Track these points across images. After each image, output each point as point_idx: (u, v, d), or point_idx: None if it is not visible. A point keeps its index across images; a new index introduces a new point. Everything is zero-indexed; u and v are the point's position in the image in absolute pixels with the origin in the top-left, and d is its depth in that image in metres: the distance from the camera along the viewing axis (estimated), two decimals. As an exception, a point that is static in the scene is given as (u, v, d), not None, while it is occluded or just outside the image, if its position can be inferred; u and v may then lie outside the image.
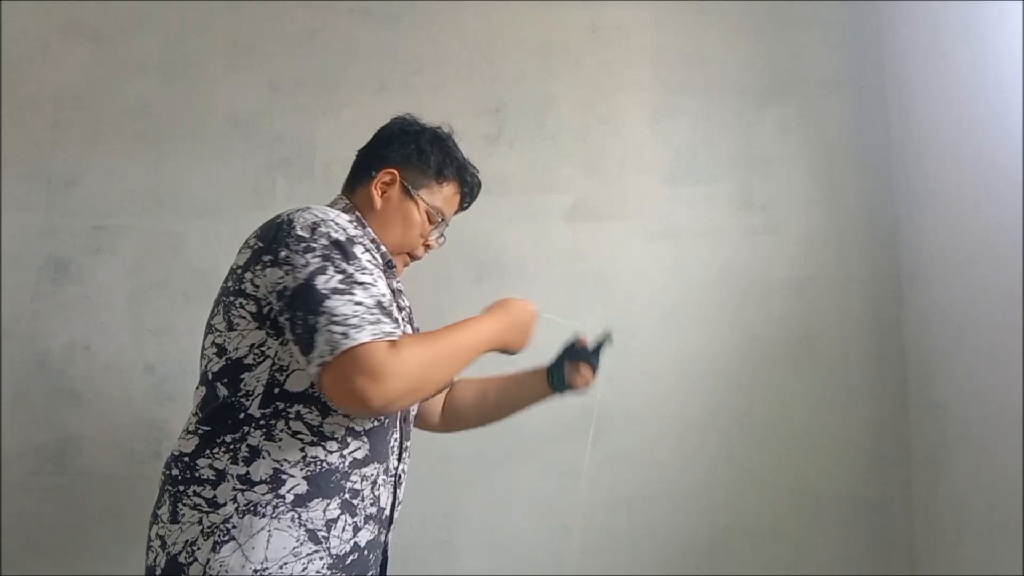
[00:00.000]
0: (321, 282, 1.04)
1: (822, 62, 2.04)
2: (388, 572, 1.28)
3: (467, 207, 1.39)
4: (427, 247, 1.33)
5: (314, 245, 1.07)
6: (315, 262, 1.05)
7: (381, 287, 1.09)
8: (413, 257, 1.33)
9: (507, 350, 1.27)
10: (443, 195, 1.31)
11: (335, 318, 1.01)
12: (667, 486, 1.92)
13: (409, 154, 1.28)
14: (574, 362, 1.42)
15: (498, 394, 1.50)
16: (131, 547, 1.86)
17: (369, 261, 1.11)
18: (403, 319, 1.28)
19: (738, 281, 1.98)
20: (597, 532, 1.91)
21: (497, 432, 1.90)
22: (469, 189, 1.35)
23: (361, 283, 1.06)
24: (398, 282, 1.34)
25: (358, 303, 1.03)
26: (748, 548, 1.91)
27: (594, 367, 1.42)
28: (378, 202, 1.26)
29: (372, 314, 1.03)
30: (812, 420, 1.94)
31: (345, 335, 1.00)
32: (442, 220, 1.31)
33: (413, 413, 1.34)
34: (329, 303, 1.02)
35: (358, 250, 1.10)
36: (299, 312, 1.04)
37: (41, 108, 1.98)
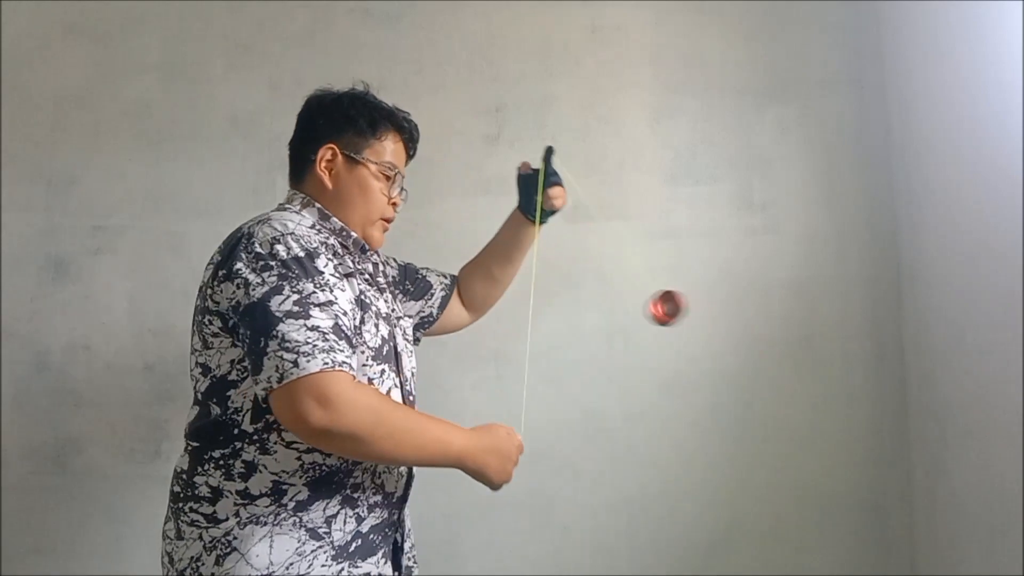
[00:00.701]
0: (275, 304, 1.01)
1: (822, 62, 2.04)
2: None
3: (413, 155, 1.36)
4: (394, 206, 1.30)
5: (271, 263, 1.05)
6: (271, 281, 1.03)
7: (343, 302, 1.07)
8: (387, 220, 1.30)
9: (484, 476, 1.15)
10: (388, 149, 1.27)
11: (286, 344, 0.98)
12: (667, 486, 1.92)
13: (338, 124, 1.25)
14: (544, 192, 1.42)
15: (497, 259, 1.53)
16: (131, 547, 1.86)
17: (332, 273, 1.09)
18: (386, 301, 1.27)
19: (738, 281, 1.98)
20: (597, 532, 1.91)
21: (497, 432, 1.91)
22: (408, 134, 1.32)
23: (319, 304, 1.03)
24: (374, 258, 1.32)
25: (312, 328, 1.00)
26: (748, 548, 1.91)
27: (557, 183, 1.43)
28: (329, 182, 1.24)
29: (326, 340, 1.00)
30: (812, 420, 1.93)
31: (295, 363, 0.97)
32: (397, 173, 1.28)
33: (412, 396, 1.32)
34: (281, 327, 0.99)
35: (320, 263, 1.08)
36: (248, 332, 1.02)
37: (41, 108, 1.98)
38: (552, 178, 1.42)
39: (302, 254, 1.07)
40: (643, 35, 2.05)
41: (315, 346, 0.99)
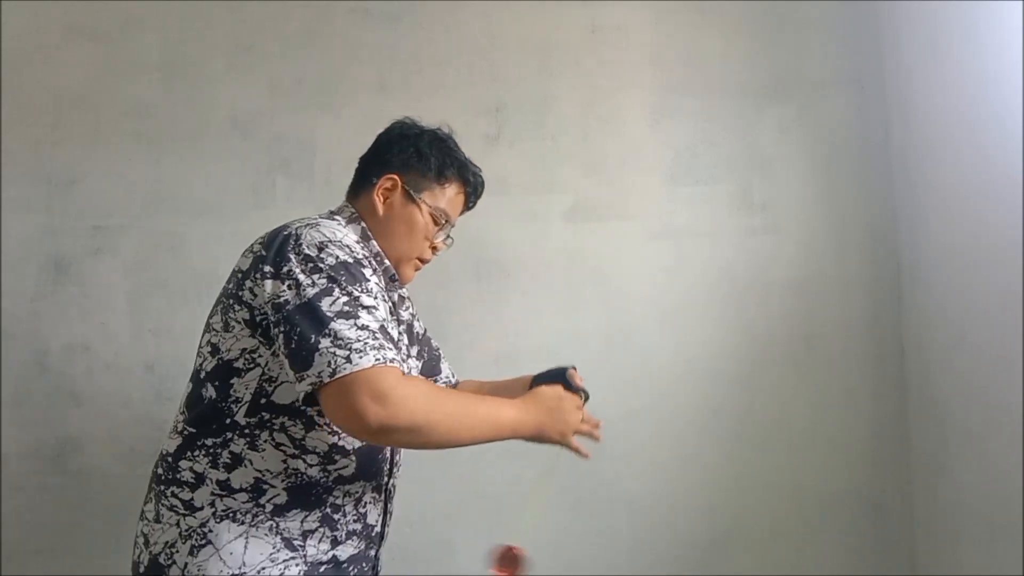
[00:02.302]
0: (326, 304, 1.03)
1: (822, 62, 2.04)
2: (390, 572, 1.28)
3: (472, 207, 1.37)
4: (434, 249, 1.31)
5: (321, 266, 1.06)
6: (321, 283, 1.05)
7: (382, 312, 1.09)
8: (422, 261, 1.31)
9: (543, 439, 1.20)
10: (446, 196, 1.28)
11: (339, 341, 1.00)
12: (667, 486, 1.92)
13: (408, 158, 1.26)
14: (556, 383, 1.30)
15: (491, 391, 1.45)
16: (131, 547, 1.86)
17: (376, 284, 1.11)
18: (401, 331, 1.28)
19: (738, 281, 1.98)
20: (597, 532, 1.91)
21: (497, 432, 1.91)
22: (472, 188, 1.33)
23: (366, 307, 1.05)
24: (401, 291, 1.33)
25: (363, 327, 1.02)
26: (748, 548, 1.91)
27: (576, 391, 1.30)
28: (381, 209, 1.25)
29: (375, 339, 1.02)
30: (812, 420, 1.94)
31: (348, 359, 0.99)
32: (447, 222, 1.29)
33: None
34: (334, 325, 1.01)
35: (366, 272, 1.10)
36: (298, 329, 1.02)
37: (41, 108, 1.98)
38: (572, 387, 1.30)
39: (350, 260, 1.09)
40: (643, 35, 2.05)
41: (366, 343, 1.01)
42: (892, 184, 1.99)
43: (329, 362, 0.99)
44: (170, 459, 1.14)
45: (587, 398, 1.32)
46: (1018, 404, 1.50)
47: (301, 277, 1.05)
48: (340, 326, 1.01)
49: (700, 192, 2.01)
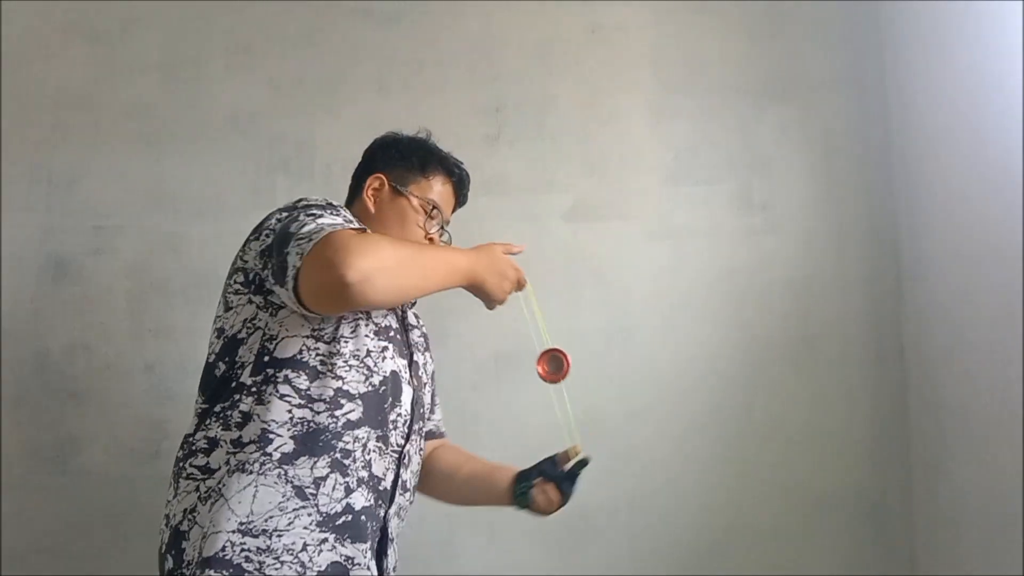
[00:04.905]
0: (293, 227, 1.09)
1: (822, 62, 2.04)
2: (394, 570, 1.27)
3: (463, 200, 1.43)
4: (431, 242, 1.35)
5: (295, 210, 1.15)
6: (286, 217, 1.13)
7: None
8: None
9: (482, 291, 1.25)
10: (434, 189, 1.36)
11: (300, 238, 1.06)
12: (667, 486, 1.92)
13: (391, 158, 1.36)
14: (546, 482, 1.34)
15: (468, 475, 1.43)
16: (131, 547, 1.86)
17: (344, 219, 1.17)
18: (407, 343, 1.31)
19: (738, 281, 1.98)
20: (597, 532, 1.91)
21: (496, 432, 1.91)
22: (458, 179, 1.40)
23: (329, 218, 1.12)
24: (411, 305, 1.39)
25: (321, 224, 1.08)
26: (748, 548, 1.91)
27: (564, 493, 1.33)
28: (372, 208, 1.33)
29: (333, 225, 1.08)
30: (812, 420, 1.93)
31: (309, 240, 1.05)
32: (435, 209, 1.35)
33: (426, 406, 1.36)
34: (297, 229, 1.08)
35: (340, 211, 1.19)
36: (275, 255, 1.09)
37: (41, 108, 1.98)
38: (564, 484, 1.34)
39: (321, 203, 1.17)
40: (643, 35, 2.05)
41: (323, 228, 1.07)
42: (892, 184, 1.99)
43: (299, 252, 1.04)
44: (190, 438, 1.18)
45: (586, 463, 1.36)
46: (1018, 404, 1.50)
47: (274, 222, 1.15)
48: (299, 228, 1.08)
49: (700, 192, 2.01)
